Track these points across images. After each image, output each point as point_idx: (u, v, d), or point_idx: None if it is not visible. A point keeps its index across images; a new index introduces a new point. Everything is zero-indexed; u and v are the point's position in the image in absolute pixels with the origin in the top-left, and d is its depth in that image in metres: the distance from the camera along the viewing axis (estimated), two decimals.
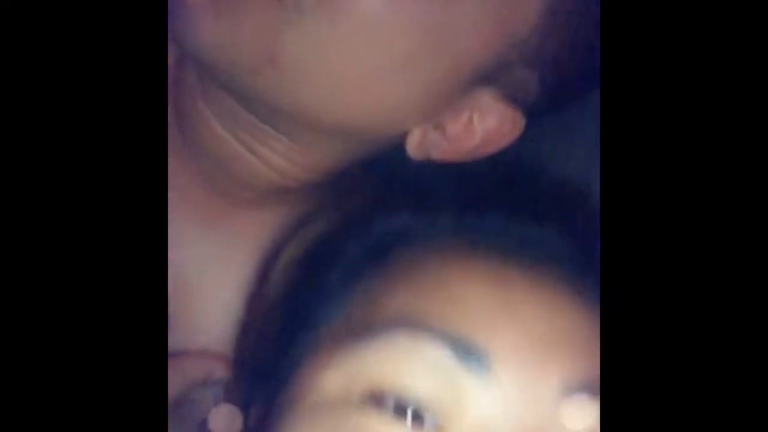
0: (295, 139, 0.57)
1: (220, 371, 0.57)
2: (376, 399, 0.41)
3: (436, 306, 0.43)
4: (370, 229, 0.50)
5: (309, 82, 0.52)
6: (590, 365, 0.41)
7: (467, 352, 0.41)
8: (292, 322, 0.49)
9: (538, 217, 0.49)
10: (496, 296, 0.43)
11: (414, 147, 0.56)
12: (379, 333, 0.42)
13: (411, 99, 0.54)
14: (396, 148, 0.57)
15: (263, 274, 0.58)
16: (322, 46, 0.51)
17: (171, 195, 0.46)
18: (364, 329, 0.43)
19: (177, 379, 0.54)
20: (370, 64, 0.52)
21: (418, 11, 0.51)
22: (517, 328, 0.42)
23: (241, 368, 0.55)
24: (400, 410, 0.40)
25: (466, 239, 0.47)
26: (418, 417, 0.41)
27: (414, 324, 0.42)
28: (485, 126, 0.55)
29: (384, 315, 0.43)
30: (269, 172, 0.58)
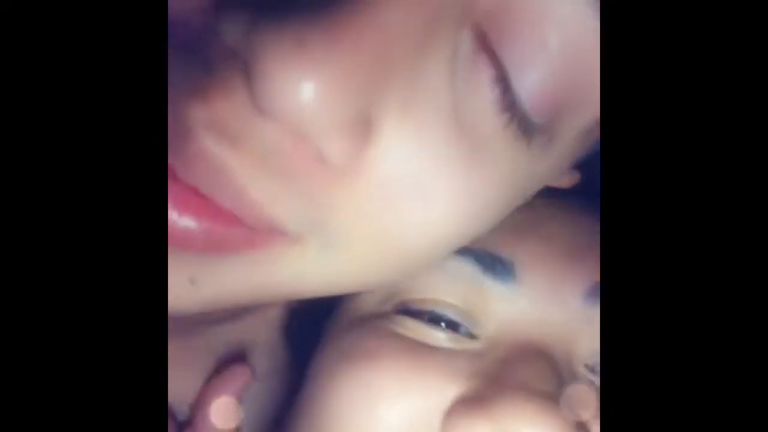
0: None
1: None
2: (408, 311, 0.44)
3: None
4: None
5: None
6: None
7: (491, 261, 0.44)
8: None
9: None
10: (522, 216, 0.45)
11: None
12: None
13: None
14: None
15: None
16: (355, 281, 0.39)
17: None
18: None
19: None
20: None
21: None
22: (541, 241, 0.45)
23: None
24: (433, 320, 0.43)
25: None
26: (451, 324, 0.43)
27: None
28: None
29: None
30: None
